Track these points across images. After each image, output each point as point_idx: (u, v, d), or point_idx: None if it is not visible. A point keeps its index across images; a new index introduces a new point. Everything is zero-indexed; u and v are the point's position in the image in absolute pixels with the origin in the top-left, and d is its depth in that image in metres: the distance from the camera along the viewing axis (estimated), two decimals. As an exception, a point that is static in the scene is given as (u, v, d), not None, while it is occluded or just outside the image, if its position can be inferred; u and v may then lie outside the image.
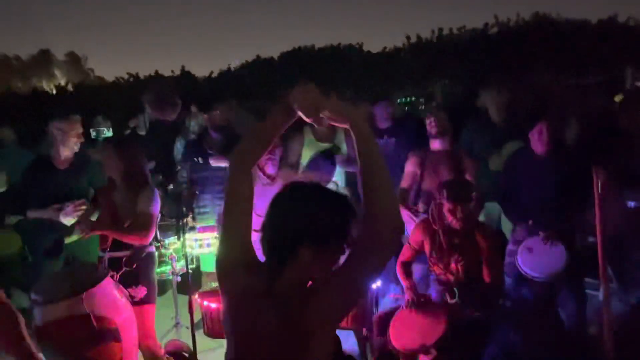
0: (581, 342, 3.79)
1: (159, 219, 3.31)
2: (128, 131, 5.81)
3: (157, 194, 3.26)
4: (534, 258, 3.60)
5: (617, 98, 9.25)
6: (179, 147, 5.96)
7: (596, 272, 4.29)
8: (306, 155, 4.48)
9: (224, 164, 4.30)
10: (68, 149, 3.77)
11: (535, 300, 3.62)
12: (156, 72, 16.22)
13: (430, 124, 4.11)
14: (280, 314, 1.46)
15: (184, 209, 3.31)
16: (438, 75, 10.91)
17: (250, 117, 7.51)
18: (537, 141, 3.70)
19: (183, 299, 3.80)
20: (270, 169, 3.79)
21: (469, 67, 11.09)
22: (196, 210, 4.48)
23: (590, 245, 4.16)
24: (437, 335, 2.91)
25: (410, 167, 4.20)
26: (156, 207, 3.21)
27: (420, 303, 3.19)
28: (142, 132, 5.38)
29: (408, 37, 14.16)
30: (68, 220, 3.43)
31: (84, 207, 3.43)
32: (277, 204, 1.56)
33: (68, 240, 3.36)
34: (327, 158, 4.36)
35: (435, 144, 4.12)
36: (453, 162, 4.05)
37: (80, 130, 3.77)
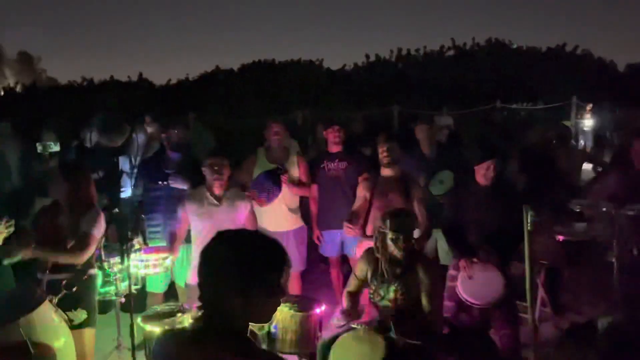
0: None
1: (103, 241, 3.28)
2: (75, 143, 5.67)
3: (102, 217, 3.23)
4: (473, 286, 3.74)
5: (565, 123, 9.74)
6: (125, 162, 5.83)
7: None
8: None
9: (183, 185, 4.25)
10: None
11: (473, 325, 3.76)
12: (111, 77, 15.99)
13: (382, 154, 4.22)
14: None
15: (129, 232, 3.29)
16: (396, 94, 11.18)
17: (209, 134, 7.48)
18: (482, 176, 3.85)
19: (127, 319, 3.75)
20: (217, 190, 3.86)
21: (425, 88, 11.41)
22: (148, 230, 4.43)
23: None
24: (376, 364, 2.98)
25: (360, 192, 4.31)
26: (99, 229, 3.19)
27: (356, 325, 3.26)
28: (88, 145, 5.26)
29: (367, 56, 14.48)
30: None
31: (11, 225, 3.33)
32: (205, 254, 1.55)
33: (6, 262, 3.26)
34: (270, 177, 4.33)
35: (386, 171, 4.24)
36: (402, 188, 4.18)
37: None
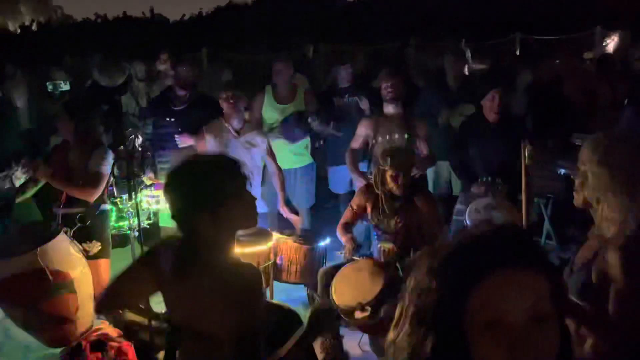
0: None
1: (112, 179, 3.39)
2: (89, 82, 5.72)
3: (110, 154, 3.34)
4: (481, 218, 3.79)
5: (587, 55, 9.37)
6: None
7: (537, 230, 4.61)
8: (267, 116, 4.55)
9: (190, 142, 4.24)
10: None
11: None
12: (124, 13, 15.78)
13: (386, 89, 4.17)
14: (200, 286, 1.59)
15: (135, 169, 3.39)
16: (415, 27, 10.85)
17: (218, 73, 7.43)
18: (489, 109, 3.82)
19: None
20: (236, 124, 3.90)
21: (446, 21, 11.05)
22: (159, 167, 4.52)
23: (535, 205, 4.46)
24: (373, 294, 3.10)
25: (362, 129, 4.30)
26: (107, 166, 3.30)
27: (359, 259, 3.38)
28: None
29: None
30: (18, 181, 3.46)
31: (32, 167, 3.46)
32: (169, 181, 1.66)
33: (20, 199, 3.42)
34: (299, 123, 4.41)
35: (389, 109, 4.21)
36: (405, 126, 4.17)
37: None
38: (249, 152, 3.94)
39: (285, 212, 4.00)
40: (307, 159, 4.78)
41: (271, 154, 4.07)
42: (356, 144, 4.26)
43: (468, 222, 3.82)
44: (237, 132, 3.93)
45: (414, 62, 6.97)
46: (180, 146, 4.27)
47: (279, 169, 4.10)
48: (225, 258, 1.64)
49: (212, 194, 1.58)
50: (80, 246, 3.22)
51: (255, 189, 3.99)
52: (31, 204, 3.84)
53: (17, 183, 3.45)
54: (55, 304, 2.96)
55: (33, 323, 3.03)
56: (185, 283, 1.61)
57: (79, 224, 3.30)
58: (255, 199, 1.71)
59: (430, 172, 4.64)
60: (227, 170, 1.64)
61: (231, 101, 3.83)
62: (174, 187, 1.63)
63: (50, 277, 2.90)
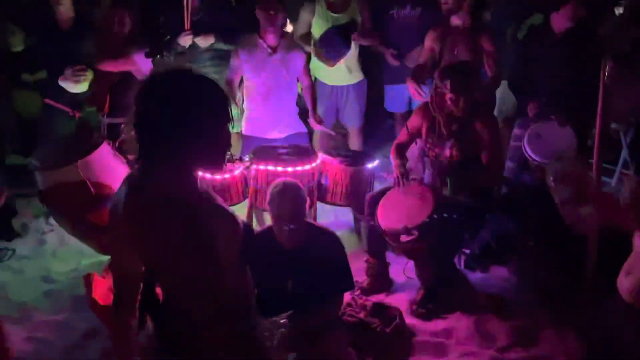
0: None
1: None
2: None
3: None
4: (541, 144, 3.47)
5: None
6: None
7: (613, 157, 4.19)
8: (317, 27, 4.22)
9: (206, 42, 3.90)
10: (65, 8, 3.67)
11: (536, 186, 3.54)
12: None
13: None
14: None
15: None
16: None
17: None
18: (561, 16, 3.33)
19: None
20: (271, 40, 3.61)
21: None
22: None
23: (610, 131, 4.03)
24: (422, 218, 2.93)
25: (428, 42, 3.97)
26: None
27: (408, 183, 3.17)
28: None
29: None
30: (68, 86, 3.45)
31: (83, 73, 3.43)
32: (142, 95, 1.39)
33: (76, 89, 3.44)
34: (341, 35, 4.06)
35: (454, 20, 3.83)
36: (471, 40, 3.78)
37: None
38: (286, 69, 3.66)
39: (312, 123, 3.80)
40: (360, 75, 4.46)
41: (307, 69, 3.81)
42: (423, 58, 3.93)
43: (527, 149, 3.50)
44: (273, 48, 3.62)
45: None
46: (201, 45, 3.92)
47: (312, 83, 3.89)
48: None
49: (192, 119, 1.35)
50: (123, 158, 3.19)
51: (291, 106, 3.81)
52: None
53: (67, 87, 3.42)
54: (99, 214, 2.95)
55: (80, 232, 3.09)
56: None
57: (123, 135, 3.26)
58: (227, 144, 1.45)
59: (497, 93, 4.24)
60: (215, 101, 1.40)
61: (271, 12, 3.48)
62: (152, 98, 1.37)
63: (92, 189, 2.90)
